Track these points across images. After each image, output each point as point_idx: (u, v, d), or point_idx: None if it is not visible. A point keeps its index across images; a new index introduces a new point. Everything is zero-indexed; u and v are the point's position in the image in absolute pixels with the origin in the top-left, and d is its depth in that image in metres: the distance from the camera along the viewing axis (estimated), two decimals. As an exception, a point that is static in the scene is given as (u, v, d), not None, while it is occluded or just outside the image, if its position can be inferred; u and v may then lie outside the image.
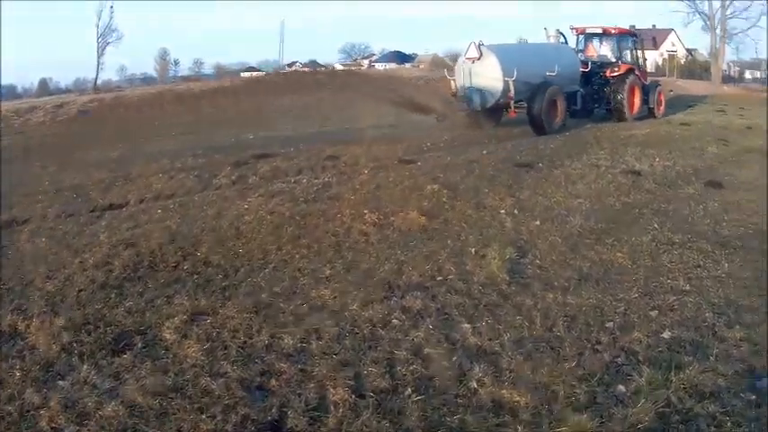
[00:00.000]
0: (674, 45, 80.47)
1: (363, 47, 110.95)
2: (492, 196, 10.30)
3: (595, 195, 10.66)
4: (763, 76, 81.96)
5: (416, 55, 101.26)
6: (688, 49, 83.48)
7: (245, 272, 6.99)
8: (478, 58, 18.07)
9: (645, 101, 22.99)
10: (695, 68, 66.07)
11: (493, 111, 18.97)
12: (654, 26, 70.13)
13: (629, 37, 23.75)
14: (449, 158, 13.70)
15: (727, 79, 66.44)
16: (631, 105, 21.80)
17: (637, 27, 56.04)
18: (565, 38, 22.49)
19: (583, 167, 12.89)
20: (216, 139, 17.38)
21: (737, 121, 24.82)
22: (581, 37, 23.11)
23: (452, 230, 8.59)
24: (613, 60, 22.21)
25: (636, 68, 22.64)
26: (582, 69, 20.99)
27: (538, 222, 8.98)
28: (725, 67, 69.86)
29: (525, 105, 18.59)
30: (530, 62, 18.71)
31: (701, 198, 10.76)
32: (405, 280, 6.77)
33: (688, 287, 6.63)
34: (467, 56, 18.46)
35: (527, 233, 8.49)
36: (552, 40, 22.04)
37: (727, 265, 7.32)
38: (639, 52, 23.81)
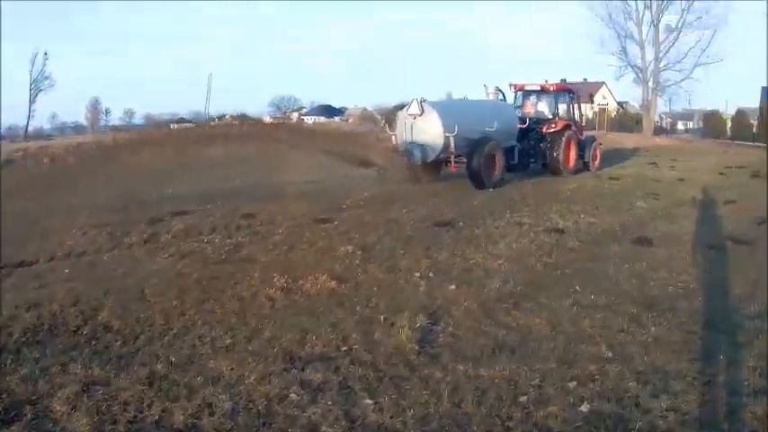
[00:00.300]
0: (605, 98, 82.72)
1: (293, 100, 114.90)
2: (408, 258, 10.09)
3: (516, 256, 10.48)
4: (696, 126, 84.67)
5: (345, 108, 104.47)
6: (619, 102, 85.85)
7: (145, 339, 6.76)
8: (420, 115, 18.70)
9: (581, 155, 24.03)
10: (626, 121, 67.72)
11: (433, 165, 19.55)
12: (585, 80, 71.98)
13: (566, 93, 24.78)
14: (368, 217, 13.52)
15: (659, 131, 68.24)
16: (567, 160, 22.70)
17: (568, 80, 57.47)
18: (503, 94, 23.22)
19: (505, 226, 12.80)
20: (137, 192, 17.03)
21: (669, 173, 25.28)
22: (519, 93, 24.18)
23: (363, 295, 8.27)
24: (550, 117, 23.25)
25: (572, 124, 23.67)
26: (520, 125, 21.72)
27: (453, 286, 8.72)
28: (657, 118, 71.78)
29: (465, 160, 19.22)
30: (470, 118, 19.37)
31: (628, 256, 10.62)
32: (307, 350, 6.48)
33: (610, 354, 6.38)
34: (409, 112, 19.05)
35: (442, 298, 8.20)
36: (491, 97, 22.75)
37: (653, 328, 7.12)
38: (576, 108, 25.02)
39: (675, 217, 14.81)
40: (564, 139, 22.43)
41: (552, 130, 22.54)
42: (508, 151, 20.65)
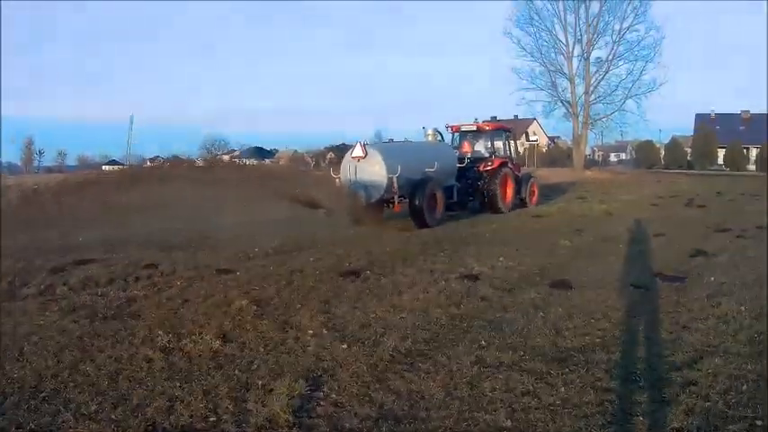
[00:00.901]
0: (535, 134, 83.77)
1: (223, 142, 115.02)
2: (303, 313, 9.38)
3: (422, 307, 9.79)
4: (629, 158, 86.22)
5: (276, 150, 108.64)
6: (551, 137, 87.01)
7: (12, 402, 6.27)
8: (364, 157, 19.84)
9: (518, 192, 25.56)
10: (558, 156, 68.45)
11: (376, 205, 20.51)
12: (516, 116, 72.86)
13: (503, 132, 27.01)
14: (271, 267, 12.90)
15: (590, 164, 69.09)
16: (504, 197, 24.22)
17: (498, 118, 58.03)
18: (442, 136, 24.84)
19: (416, 273, 12.21)
20: (48, 238, 16.39)
21: (598, 206, 25.35)
22: (456, 134, 26.11)
23: (246, 357, 7.58)
24: (487, 156, 24.92)
25: (509, 161, 25.51)
26: (458, 165, 23.12)
27: (345, 345, 8.00)
28: (589, 152, 72.80)
29: (407, 200, 20.27)
30: (412, 159, 20.65)
31: (544, 303, 10.05)
32: (173, 420, 5.84)
33: (509, 423, 5.73)
34: (353, 155, 20.14)
35: (330, 359, 7.50)
36: (431, 139, 24.20)
37: (563, 388, 6.46)
38: (512, 146, 27.16)
39: (599, 255, 14.40)
40: (501, 176, 23.96)
41: (489, 168, 24.06)
42: (447, 190, 21.83)
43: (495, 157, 24.98)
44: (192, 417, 5.92)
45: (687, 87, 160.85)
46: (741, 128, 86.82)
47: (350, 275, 12.01)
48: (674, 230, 18.23)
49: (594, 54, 65.58)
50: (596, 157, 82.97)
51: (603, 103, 65.82)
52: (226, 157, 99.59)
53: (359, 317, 9.31)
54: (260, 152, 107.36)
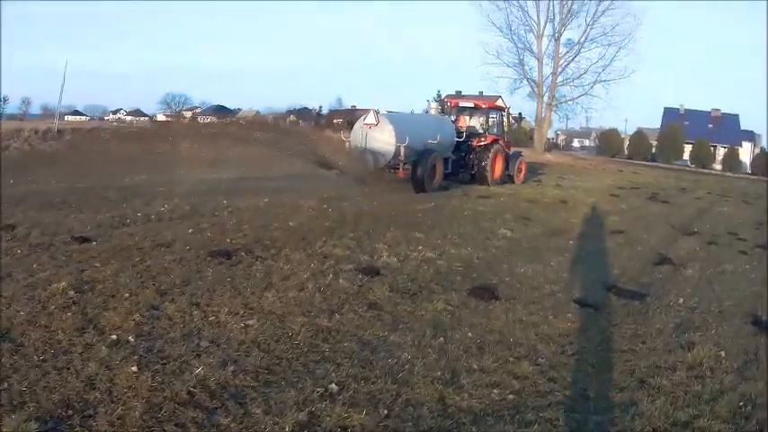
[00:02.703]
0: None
1: (184, 98, 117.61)
2: (123, 308, 6.77)
3: (283, 312, 7.07)
4: (592, 145, 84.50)
5: (240, 109, 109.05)
6: (518, 115, 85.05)
7: None
8: (376, 125, 20.93)
9: (506, 168, 26.69)
10: (519, 136, 66.24)
11: (379, 171, 21.62)
12: (481, 93, 70.67)
13: (497, 111, 28.55)
14: (137, 238, 10.24)
15: (553, 147, 67.35)
16: (493, 172, 25.26)
17: (463, 93, 55.86)
18: (442, 109, 27.65)
19: (305, 259, 9.47)
20: None
21: (552, 192, 23.83)
22: (454, 109, 27.48)
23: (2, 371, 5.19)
24: (481, 132, 26.02)
25: (501, 139, 26.69)
26: (456, 139, 24.34)
27: (135, 368, 5.38)
28: (553, 135, 71.01)
29: (410, 168, 21.37)
30: (417, 131, 21.81)
31: (452, 320, 7.38)
32: None
33: None
34: (365, 122, 21.27)
35: (104, 389, 4.99)
36: (433, 111, 26.97)
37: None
38: (505, 125, 28.55)
39: (543, 252, 11.83)
40: (492, 152, 25.07)
41: (482, 143, 25.17)
42: (445, 161, 23.17)
43: (489, 133, 26.07)
44: None
45: (658, 82, 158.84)
46: (710, 126, 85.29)
47: (221, 256, 9.30)
48: (634, 228, 15.79)
49: (566, 35, 63.74)
50: (559, 141, 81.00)
51: (571, 86, 63.83)
52: (188, 114, 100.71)
53: (189, 320, 6.67)
54: (222, 110, 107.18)
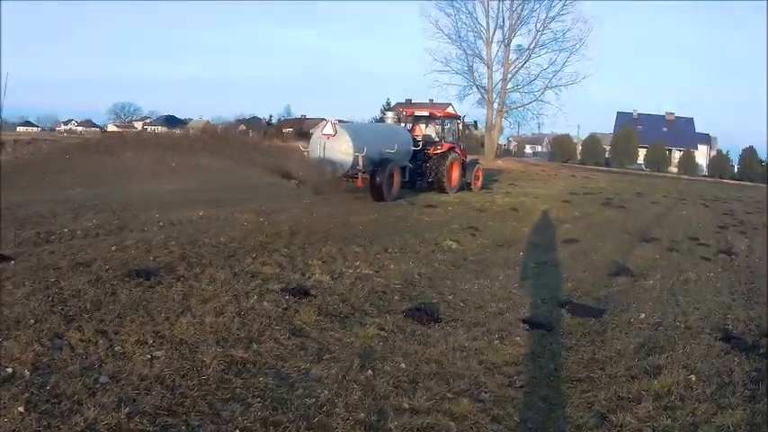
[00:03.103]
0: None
1: (133, 108, 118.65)
2: (24, 337, 6.00)
3: (195, 341, 6.26)
4: (545, 151, 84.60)
5: (190, 119, 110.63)
6: (473, 122, 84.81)
7: None
8: (334, 135, 20.88)
9: (463, 175, 26.88)
10: (471, 143, 66.06)
11: (336, 180, 21.60)
12: (431, 100, 70.38)
13: (453, 119, 29.18)
14: (58, 257, 9.42)
15: (505, 154, 67.25)
16: (450, 179, 25.51)
17: (413, 101, 55.50)
18: (398, 118, 26.89)
19: (230, 278, 8.65)
20: None
21: (502, 200, 23.49)
22: (409, 118, 27.41)
23: None
24: (437, 140, 26.39)
25: (457, 147, 26.92)
26: (413, 147, 24.55)
27: (22, 408, 4.70)
28: (504, 141, 70.90)
29: (368, 177, 21.41)
30: (375, 140, 21.91)
31: (384, 348, 6.54)
32: None
33: None
34: (323, 132, 21.12)
35: None
36: (390, 121, 26.25)
37: None
38: (460, 133, 29.28)
39: (491, 266, 11.06)
40: (449, 160, 25.26)
41: (438, 151, 25.36)
42: (402, 170, 23.34)
43: (445, 141, 26.45)
44: None
45: (611, 87, 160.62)
46: (664, 129, 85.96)
47: (140, 276, 8.45)
48: (589, 236, 15.18)
49: (516, 41, 63.60)
50: (511, 148, 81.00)
51: (521, 92, 64.05)
52: (138, 124, 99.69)
53: (93, 351, 5.90)
54: (172, 120, 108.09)
